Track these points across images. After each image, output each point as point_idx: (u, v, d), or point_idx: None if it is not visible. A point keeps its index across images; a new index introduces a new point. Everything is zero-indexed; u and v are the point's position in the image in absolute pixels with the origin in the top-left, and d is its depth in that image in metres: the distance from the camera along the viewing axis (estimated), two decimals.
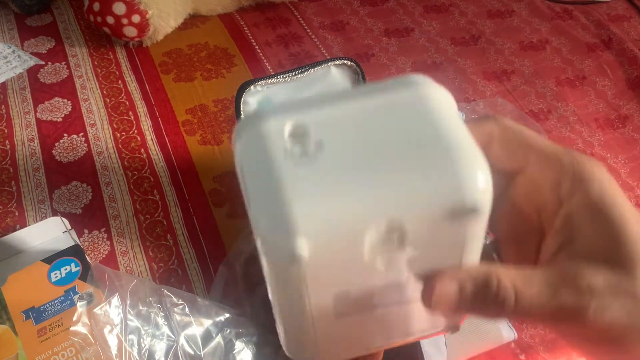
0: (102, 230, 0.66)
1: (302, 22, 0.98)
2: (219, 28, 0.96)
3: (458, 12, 1.03)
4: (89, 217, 0.67)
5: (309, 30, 0.96)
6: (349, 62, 0.57)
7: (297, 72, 0.55)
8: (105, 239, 0.65)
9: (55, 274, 0.57)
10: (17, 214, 0.67)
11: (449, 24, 0.99)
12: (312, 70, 0.56)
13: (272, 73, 0.87)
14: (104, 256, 0.63)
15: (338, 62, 0.57)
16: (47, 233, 0.63)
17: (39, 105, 0.80)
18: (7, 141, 0.75)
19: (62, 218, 0.64)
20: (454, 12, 1.02)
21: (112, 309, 0.51)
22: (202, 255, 0.64)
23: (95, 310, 0.50)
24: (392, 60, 0.91)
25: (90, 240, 0.65)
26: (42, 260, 0.58)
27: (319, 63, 0.56)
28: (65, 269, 0.57)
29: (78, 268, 0.58)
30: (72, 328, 0.50)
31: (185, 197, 0.69)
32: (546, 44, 0.95)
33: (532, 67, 0.91)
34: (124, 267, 0.62)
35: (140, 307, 0.53)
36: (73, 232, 0.63)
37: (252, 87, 0.54)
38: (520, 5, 1.04)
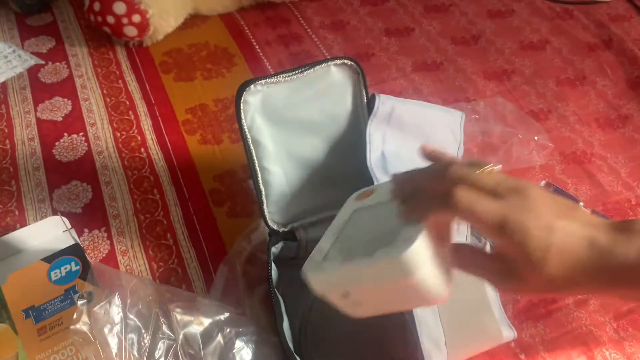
0: (102, 229, 0.66)
1: (302, 21, 0.98)
2: (219, 27, 0.96)
3: (458, 11, 1.02)
4: (89, 217, 0.67)
5: (309, 30, 0.96)
6: (349, 62, 0.57)
7: (297, 71, 0.55)
8: (105, 238, 0.65)
9: (55, 273, 0.57)
10: (17, 213, 0.67)
11: (449, 24, 0.99)
12: (312, 69, 0.56)
13: (272, 72, 0.87)
14: (104, 255, 0.63)
15: (338, 61, 0.57)
16: (47, 232, 0.63)
17: (39, 105, 0.80)
18: (7, 140, 0.75)
19: (62, 217, 0.64)
20: (454, 12, 1.02)
21: (112, 308, 0.51)
22: (201, 255, 0.64)
23: (95, 309, 0.50)
24: (393, 60, 0.91)
25: (90, 239, 0.65)
26: (42, 260, 0.58)
27: (319, 62, 0.56)
28: (66, 268, 0.57)
29: (78, 267, 0.58)
30: (72, 327, 0.50)
31: (185, 196, 0.69)
32: (546, 44, 0.95)
33: (533, 67, 0.91)
34: (124, 266, 0.62)
35: (140, 307, 0.53)
36: (73, 231, 0.63)
37: (252, 86, 0.54)
38: (521, 5, 1.04)
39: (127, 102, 0.81)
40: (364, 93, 0.59)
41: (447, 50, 0.94)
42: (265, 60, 0.90)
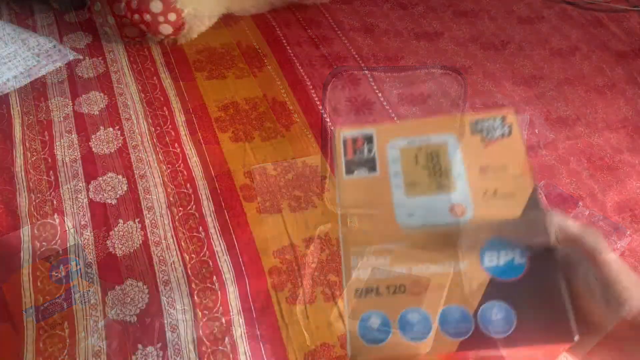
0: (137, 220, 0.68)
1: (333, 23, 1.00)
2: (251, 28, 0.98)
3: (487, 17, 1.03)
4: (124, 208, 0.69)
5: (339, 32, 0.98)
6: (450, 72, 0.56)
7: (401, 70, 0.55)
8: (139, 229, 0.67)
9: (56, 272, 0.57)
10: (54, 202, 0.69)
11: (478, 29, 1.00)
12: (416, 72, 0.55)
13: (303, 73, 0.88)
14: (137, 247, 0.65)
15: (440, 69, 0.56)
16: (48, 232, 0.64)
17: (77, 99, 0.83)
18: (45, 132, 0.78)
19: (64, 217, 0.65)
20: (484, 18, 1.03)
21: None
22: (232, 248, 0.65)
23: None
24: (421, 63, 0.92)
25: (125, 229, 0.67)
26: (43, 259, 0.58)
27: (421, 67, 0.56)
28: (67, 268, 0.58)
29: (79, 267, 0.58)
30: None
31: (217, 191, 0.71)
32: (576, 51, 0.95)
33: (561, 74, 0.91)
34: (157, 256, 0.64)
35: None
36: (74, 231, 0.65)
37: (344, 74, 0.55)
38: (550, 12, 1.04)
39: (162, 98, 0.83)
40: (464, 104, 0.58)
41: (475, 55, 0.94)
42: (296, 61, 0.91)
